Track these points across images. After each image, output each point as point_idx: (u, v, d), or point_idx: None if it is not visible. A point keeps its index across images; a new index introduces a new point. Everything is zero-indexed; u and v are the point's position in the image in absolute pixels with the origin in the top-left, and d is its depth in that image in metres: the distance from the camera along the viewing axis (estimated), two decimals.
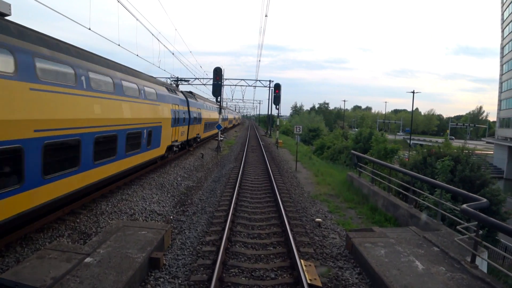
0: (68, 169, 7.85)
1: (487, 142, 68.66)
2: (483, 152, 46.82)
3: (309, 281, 5.56)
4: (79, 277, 5.03)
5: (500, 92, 61.14)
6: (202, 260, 6.54)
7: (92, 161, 8.84)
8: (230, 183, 13.87)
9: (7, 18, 6.76)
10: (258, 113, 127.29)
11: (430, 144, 36.41)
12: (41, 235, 7.57)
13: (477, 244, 6.27)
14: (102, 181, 9.75)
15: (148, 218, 9.48)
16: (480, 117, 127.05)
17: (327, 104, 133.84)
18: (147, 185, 12.90)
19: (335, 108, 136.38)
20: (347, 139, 44.97)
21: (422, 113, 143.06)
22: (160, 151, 15.27)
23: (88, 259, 5.65)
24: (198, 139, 26.05)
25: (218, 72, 25.47)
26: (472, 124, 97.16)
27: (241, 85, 41.84)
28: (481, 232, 6.54)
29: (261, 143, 32.77)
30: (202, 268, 6.20)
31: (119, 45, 13.94)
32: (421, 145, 41.04)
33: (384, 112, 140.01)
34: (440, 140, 37.39)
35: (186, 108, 20.40)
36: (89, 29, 11.29)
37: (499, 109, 61.56)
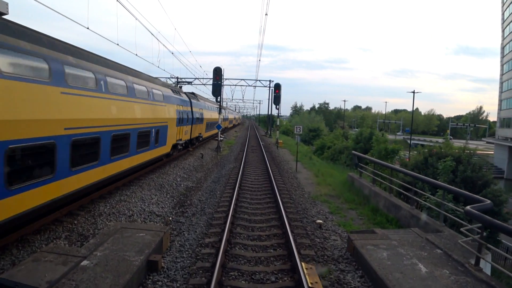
0: (90, 163, 8.78)
1: (487, 142, 68.53)
2: (483, 152, 46.74)
3: (310, 285, 5.45)
4: (75, 281, 4.92)
5: (501, 92, 61.02)
6: (201, 263, 6.42)
7: (109, 157, 9.77)
8: (230, 183, 13.76)
9: (4, 17, 6.70)
10: (258, 113, 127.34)
11: (431, 144, 36.25)
12: (37, 237, 7.46)
13: (482, 247, 6.15)
14: (117, 174, 10.71)
15: (147, 219, 9.36)
16: (480, 117, 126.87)
17: (327, 104, 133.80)
18: (146, 185, 12.78)
19: (335, 108, 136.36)
20: (348, 139, 44.85)
21: (422, 113, 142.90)
22: (166, 149, 16.14)
23: (84, 262, 5.53)
24: (200, 138, 26.80)
25: (218, 72, 25.36)
26: (472, 124, 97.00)
27: (241, 85, 41.82)
28: (484, 234, 6.43)
29: (261, 143, 32.65)
30: (201, 271, 6.08)
31: (118, 44, 13.83)
32: (422, 145, 40.91)
33: (384, 112, 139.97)
34: (440, 140, 37.31)
35: (189, 109, 21.18)
36: (87, 28, 11.18)
37: (500, 109, 61.45)
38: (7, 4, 6.92)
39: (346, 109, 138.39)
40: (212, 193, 12.41)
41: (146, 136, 12.88)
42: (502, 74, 60.46)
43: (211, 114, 30.67)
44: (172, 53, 24.06)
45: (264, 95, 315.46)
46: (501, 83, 60.80)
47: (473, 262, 6.23)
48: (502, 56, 60.51)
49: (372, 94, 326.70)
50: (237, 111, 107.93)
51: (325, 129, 72.78)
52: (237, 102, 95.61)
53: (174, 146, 18.17)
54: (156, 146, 14.29)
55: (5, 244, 6.85)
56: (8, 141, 5.88)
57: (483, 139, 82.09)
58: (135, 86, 11.88)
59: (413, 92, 49.72)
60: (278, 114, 43.08)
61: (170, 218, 9.57)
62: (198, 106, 24.55)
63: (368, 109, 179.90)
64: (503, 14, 59.83)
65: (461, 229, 6.85)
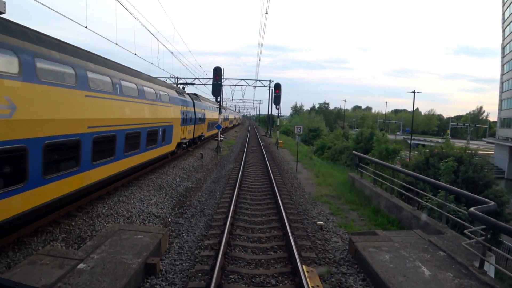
0: (107, 158, 9.69)
1: (488, 142, 68.41)
2: (484, 152, 46.59)
3: None
4: (71, 285, 4.81)
5: (501, 92, 60.90)
6: (200, 266, 6.31)
7: (123, 153, 10.71)
8: (230, 184, 13.65)
9: (2, 16, 6.64)
10: (258, 113, 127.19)
11: (432, 144, 36.06)
12: (34, 239, 7.34)
13: (486, 249, 6.04)
14: (129, 169, 11.67)
15: (146, 220, 9.25)
16: (481, 117, 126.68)
17: (327, 104, 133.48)
18: (145, 186, 12.66)
19: (335, 108, 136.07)
20: (348, 139, 44.71)
21: (423, 113, 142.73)
22: (171, 147, 17.09)
23: (81, 265, 5.42)
24: (202, 137, 27.61)
25: (217, 72, 25.24)
26: (473, 124, 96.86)
27: (241, 85, 41.76)
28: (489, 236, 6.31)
29: (261, 143, 32.54)
30: (200, 274, 5.97)
31: (116, 44, 13.73)
32: (423, 145, 40.70)
33: (384, 112, 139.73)
34: (440, 140, 37.15)
35: (192, 109, 21.91)
36: (86, 27, 11.07)
37: (500, 109, 61.31)
38: (4, 3, 6.84)
39: (346, 109, 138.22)
40: (211, 194, 12.30)
41: (154, 135, 13.78)
42: (502, 74, 60.33)
43: (212, 114, 31.14)
44: (172, 53, 24.00)
45: (264, 95, 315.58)
46: (502, 83, 60.68)
47: (477, 264, 6.12)
48: (503, 56, 60.37)
49: (372, 94, 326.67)
50: (237, 111, 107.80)
51: (325, 129, 72.61)
52: (237, 102, 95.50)
53: (179, 145, 19.04)
54: (163, 144, 15.20)
55: (1, 246, 6.74)
56: (45, 137, 6.85)
57: (483, 139, 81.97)
58: (145, 88, 12.79)
59: (414, 92, 49.60)
60: (278, 114, 42.99)
61: (169, 220, 9.46)
62: (200, 107, 25.18)
63: (368, 109, 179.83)
64: (503, 14, 59.71)
65: (465, 231, 6.74)
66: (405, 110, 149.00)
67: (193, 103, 22.74)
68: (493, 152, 57.85)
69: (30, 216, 6.98)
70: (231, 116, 65.72)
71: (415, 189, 9.98)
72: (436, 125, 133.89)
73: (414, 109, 62.61)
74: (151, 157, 13.82)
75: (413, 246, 7.00)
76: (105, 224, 8.50)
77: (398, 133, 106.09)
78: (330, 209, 11.22)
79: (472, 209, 6.38)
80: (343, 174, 18.49)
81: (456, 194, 10.69)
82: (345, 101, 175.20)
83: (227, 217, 8.86)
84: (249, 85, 41.84)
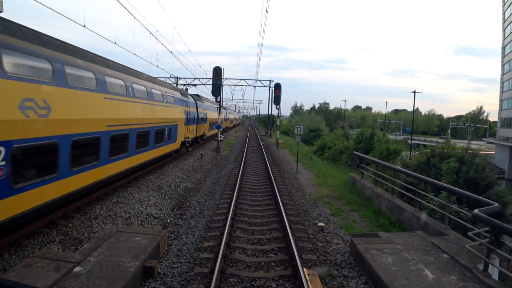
0: (121, 154, 10.60)
1: (488, 142, 68.25)
2: (485, 152, 46.43)
3: None
4: None
5: (502, 92, 60.78)
6: (200, 268, 6.20)
7: (134, 150, 11.59)
8: (230, 184, 13.54)
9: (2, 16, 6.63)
10: (258, 113, 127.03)
11: (433, 144, 35.85)
12: (31, 241, 7.21)
13: (490, 252, 5.92)
14: (140, 164, 12.58)
15: (144, 222, 9.13)
16: (481, 117, 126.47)
17: (327, 104, 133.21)
18: (144, 187, 12.54)
19: (335, 108, 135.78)
20: (348, 139, 44.56)
21: (423, 113, 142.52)
22: (176, 145, 18.02)
23: (77, 269, 5.31)
24: (204, 137, 28.46)
25: (217, 72, 25.12)
26: (473, 124, 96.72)
27: (241, 85, 41.67)
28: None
29: (261, 143, 32.41)
30: (199, 277, 5.86)
31: (115, 43, 13.61)
32: (424, 145, 40.50)
33: (384, 112, 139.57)
34: (440, 140, 36.98)
35: (195, 110, 22.74)
36: (84, 26, 10.96)
37: (501, 109, 61.18)
38: (2, 1, 6.75)
39: (346, 109, 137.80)
40: (211, 195, 12.19)
41: (161, 134, 14.73)
42: (503, 74, 60.21)
43: (213, 114, 31.55)
44: (171, 52, 23.88)
45: (264, 95, 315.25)
46: (502, 83, 60.55)
47: (480, 267, 6.01)
48: (503, 56, 60.25)
49: (372, 94, 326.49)
50: (237, 111, 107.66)
51: (325, 129, 72.44)
52: (237, 102, 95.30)
53: (183, 143, 19.99)
54: (169, 143, 16.16)
55: None
56: (73, 134, 7.71)
57: (483, 139, 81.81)
58: (153, 91, 13.68)
59: (414, 92, 49.50)
60: (278, 114, 42.85)
61: (168, 221, 9.34)
62: (202, 107, 25.87)
63: (368, 109, 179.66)
64: (504, 13, 59.60)
65: (469, 233, 6.62)
66: (405, 110, 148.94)
67: (196, 103, 23.35)
68: (493, 152, 57.68)
69: (61, 203, 7.97)
70: (231, 116, 66.27)
71: (416, 190, 9.87)
72: (436, 125, 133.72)
73: (414, 109, 62.50)
74: (158, 154, 14.77)
75: (416, 248, 6.89)
76: (103, 225, 8.38)
77: (395, 133, 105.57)
78: (331, 210, 11.11)
79: (476, 210, 6.27)
80: (344, 174, 18.39)
81: (458, 195, 10.59)
82: (345, 101, 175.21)
83: (226, 218, 8.75)
84: (249, 85, 41.79)
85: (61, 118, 7.28)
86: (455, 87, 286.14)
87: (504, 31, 59.45)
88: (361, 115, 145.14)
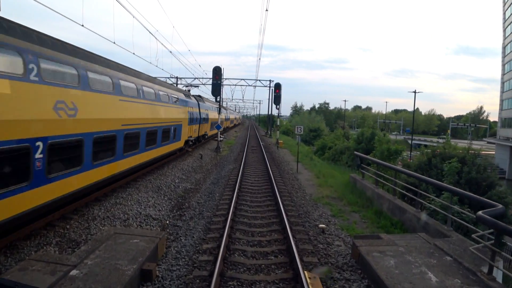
0: (133, 151, 11.44)
1: (488, 142, 68.12)
2: (485, 152, 46.28)
3: None
4: None
5: (502, 92, 60.69)
6: (199, 271, 6.08)
7: (144, 147, 12.48)
8: (229, 185, 13.43)
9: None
10: (258, 113, 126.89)
11: (434, 144, 35.64)
12: (27, 243, 7.10)
13: (495, 254, 5.81)
14: (149, 161, 13.49)
15: (143, 223, 9.01)
16: (481, 117, 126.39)
17: (327, 104, 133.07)
18: (143, 187, 12.43)
19: (335, 108, 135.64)
20: (349, 139, 44.40)
21: (423, 113, 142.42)
22: (180, 144, 18.93)
23: (74, 272, 5.20)
24: (206, 136, 29.26)
25: (217, 71, 25.01)
26: (473, 124, 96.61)
27: (241, 85, 41.57)
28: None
29: (261, 143, 32.30)
30: (198, 281, 5.74)
31: (114, 42, 13.50)
32: (425, 145, 40.26)
33: (384, 112, 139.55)
34: (441, 140, 36.79)
35: (197, 110, 23.48)
36: (82, 25, 10.85)
37: (501, 109, 61.09)
38: None
39: (346, 109, 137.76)
40: (211, 195, 12.08)
41: (167, 133, 15.62)
42: (503, 74, 60.13)
43: (214, 114, 31.99)
44: (171, 52, 23.78)
45: (264, 95, 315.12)
46: (503, 83, 60.47)
47: (485, 270, 5.89)
48: (504, 56, 60.16)
49: (372, 94, 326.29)
50: (237, 111, 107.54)
51: (325, 129, 72.30)
52: (237, 102, 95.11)
53: (186, 142, 20.93)
54: (174, 141, 17.07)
55: None
56: (94, 132, 8.59)
57: (484, 139, 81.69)
58: (160, 92, 14.69)
59: (415, 92, 49.42)
60: (278, 114, 42.73)
61: (167, 222, 9.22)
62: (204, 108, 26.66)
63: (368, 109, 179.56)
64: (504, 13, 59.52)
65: (473, 235, 6.50)
66: (405, 110, 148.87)
67: (198, 104, 24.10)
68: (493, 152, 57.57)
69: (84, 192, 8.85)
70: (231, 116, 67.18)
71: (418, 191, 9.75)
72: (437, 125, 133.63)
73: (415, 109, 62.38)
74: (165, 151, 15.71)
75: (418, 250, 6.77)
76: (100, 227, 8.26)
77: (394, 133, 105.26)
78: (332, 211, 11.00)
79: (480, 212, 6.15)
80: (344, 174, 18.27)
81: (461, 196, 10.46)
82: (345, 101, 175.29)
83: (226, 219, 8.64)
84: (249, 85, 41.70)
85: (86, 118, 8.19)
86: (455, 87, 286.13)
87: (504, 31, 59.37)
88: (361, 115, 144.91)
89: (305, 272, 5.86)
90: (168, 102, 15.74)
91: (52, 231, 7.81)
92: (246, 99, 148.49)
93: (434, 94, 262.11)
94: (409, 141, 56.00)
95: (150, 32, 16.98)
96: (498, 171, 40.50)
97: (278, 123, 42.37)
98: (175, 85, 32.87)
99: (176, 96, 17.60)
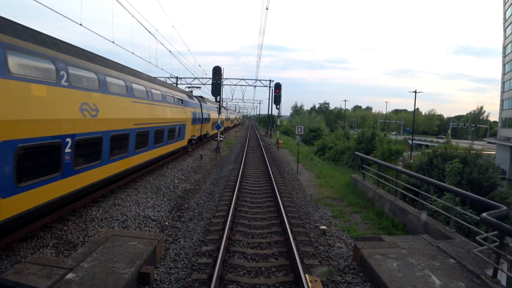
0: (143, 148, 12.32)
1: (489, 142, 68.00)
2: (485, 152, 46.14)
3: None
4: None
5: (502, 92, 60.56)
6: (197, 274, 5.97)
7: (153, 145, 13.32)
8: (229, 185, 13.31)
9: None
10: (258, 113, 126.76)
11: (435, 144, 35.49)
12: (23, 245, 6.98)
13: (500, 257, 5.69)
14: (156, 158, 14.31)
15: (142, 224, 8.90)
16: (481, 117, 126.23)
17: (328, 104, 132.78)
18: (142, 188, 12.31)
19: (335, 108, 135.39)
20: (349, 139, 44.23)
21: (423, 113, 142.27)
22: (184, 142, 19.76)
23: (69, 275, 5.09)
24: (208, 135, 30.04)
25: (217, 71, 24.89)
26: (473, 124, 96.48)
27: (241, 85, 41.47)
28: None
29: (261, 143, 32.19)
30: (197, 284, 5.63)
31: (113, 42, 13.39)
32: (426, 146, 40.08)
33: (384, 112, 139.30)
34: (441, 141, 36.61)
35: (199, 110, 24.25)
36: (81, 24, 10.74)
37: (501, 109, 60.96)
38: None
39: (347, 109, 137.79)
40: (210, 196, 11.97)
41: (173, 132, 16.50)
42: (504, 74, 60.00)
43: (215, 114, 32.09)
44: (170, 52, 23.67)
45: (264, 95, 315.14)
46: (503, 83, 60.34)
47: (489, 272, 5.78)
48: (504, 56, 60.03)
49: (373, 94, 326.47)
50: (237, 111, 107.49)
51: (326, 129, 72.08)
52: (237, 102, 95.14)
53: (189, 141, 21.71)
54: (179, 140, 17.93)
55: None
56: (112, 131, 9.43)
57: (484, 139, 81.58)
58: (166, 94, 15.59)
59: (415, 92, 49.31)
60: (278, 114, 42.59)
61: (166, 223, 9.12)
62: (206, 108, 27.47)
63: (369, 109, 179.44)
64: (504, 13, 59.38)
65: (477, 237, 6.38)
66: (405, 110, 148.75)
67: (200, 105, 24.81)
68: (494, 152, 57.43)
69: (102, 184, 9.67)
70: (232, 116, 67.99)
71: (420, 192, 9.63)
72: (437, 125, 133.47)
73: (415, 109, 62.26)
74: (170, 149, 16.55)
75: (421, 252, 6.66)
76: (98, 229, 8.15)
77: (394, 133, 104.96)
78: (333, 212, 10.89)
79: (484, 214, 6.03)
80: (345, 175, 18.15)
81: (463, 197, 10.32)
82: (345, 101, 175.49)
83: (226, 221, 8.53)
84: (249, 85, 41.61)
85: (105, 118, 9.06)
86: (455, 87, 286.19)
87: (504, 31, 59.24)
88: (362, 115, 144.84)
89: (306, 275, 5.74)
90: (173, 103, 16.56)
91: (49, 233, 7.69)
92: (246, 99, 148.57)
93: (434, 94, 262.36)
94: (409, 141, 55.90)
95: (149, 32, 16.89)
96: (500, 172, 40.36)
97: (279, 123, 42.23)
98: (175, 85, 32.94)
99: (180, 97, 18.49)
